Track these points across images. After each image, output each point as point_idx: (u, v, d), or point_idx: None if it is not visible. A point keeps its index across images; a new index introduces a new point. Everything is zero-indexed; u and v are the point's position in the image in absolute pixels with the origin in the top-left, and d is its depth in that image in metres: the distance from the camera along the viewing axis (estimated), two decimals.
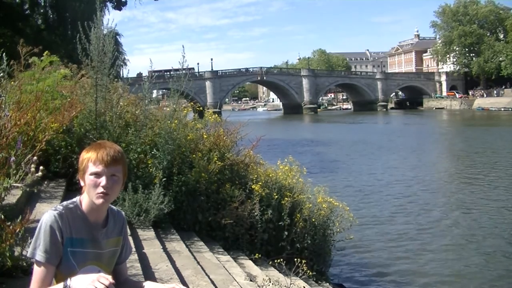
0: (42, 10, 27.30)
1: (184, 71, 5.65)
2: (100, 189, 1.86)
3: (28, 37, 18.63)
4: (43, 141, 3.60)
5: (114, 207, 2.09)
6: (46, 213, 1.86)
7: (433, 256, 9.28)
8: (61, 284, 1.75)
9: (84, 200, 1.93)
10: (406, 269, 8.67)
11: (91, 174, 1.87)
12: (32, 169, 2.86)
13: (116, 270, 2.07)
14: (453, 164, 22.76)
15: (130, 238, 4.10)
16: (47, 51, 7.08)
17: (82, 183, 1.92)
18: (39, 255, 1.79)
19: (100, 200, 1.88)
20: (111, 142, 2.02)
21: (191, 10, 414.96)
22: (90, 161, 1.87)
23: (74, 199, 1.95)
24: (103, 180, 1.86)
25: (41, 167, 2.89)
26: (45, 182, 5.03)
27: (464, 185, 16.69)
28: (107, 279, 1.70)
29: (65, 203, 1.95)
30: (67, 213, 1.88)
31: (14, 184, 2.92)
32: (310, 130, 51.77)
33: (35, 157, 2.92)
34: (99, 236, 1.95)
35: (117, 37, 32.05)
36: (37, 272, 1.80)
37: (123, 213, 2.14)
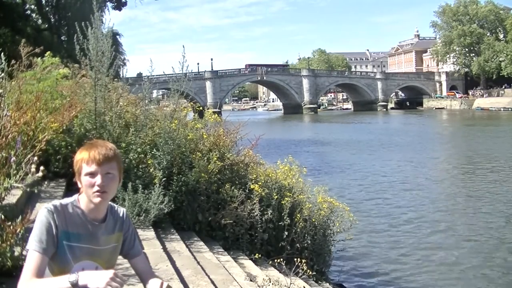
0: (43, 10, 27.33)
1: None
2: (96, 188, 1.87)
3: (28, 37, 18.62)
4: (43, 141, 3.60)
5: (115, 205, 2.10)
6: (43, 207, 1.89)
7: (433, 256, 9.28)
8: (65, 277, 1.74)
9: (83, 199, 1.94)
10: (406, 269, 8.66)
11: (85, 175, 1.88)
12: (33, 169, 2.86)
13: (131, 265, 2.11)
14: (453, 164, 22.74)
15: None
16: (49, 52, 7.09)
17: (79, 185, 1.93)
18: (33, 244, 1.81)
19: (98, 199, 1.89)
20: (103, 141, 2.03)
21: (193, 10, 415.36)
22: (83, 161, 1.89)
23: (73, 196, 1.97)
24: (98, 179, 1.87)
25: (41, 167, 2.89)
26: (45, 182, 5.03)
27: (465, 185, 16.71)
28: (121, 278, 1.72)
29: (63, 199, 1.97)
30: (64, 208, 1.90)
31: (15, 185, 2.92)
32: (310, 130, 51.75)
33: (35, 157, 2.93)
34: (97, 232, 1.95)
35: (117, 37, 32.10)
36: (30, 260, 1.80)
37: (124, 209, 2.14)
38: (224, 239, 5.64)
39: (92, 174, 1.87)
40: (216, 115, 6.72)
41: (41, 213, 1.86)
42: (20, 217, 2.72)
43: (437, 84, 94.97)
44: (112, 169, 1.90)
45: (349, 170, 20.45)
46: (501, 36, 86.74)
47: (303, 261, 4.40)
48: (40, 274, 1.79)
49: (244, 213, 5.55)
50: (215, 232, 5.66)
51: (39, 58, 6.69)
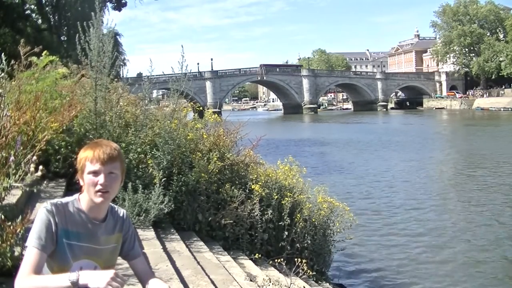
0: (43, 10, 27.34)
1: None
2: (99, 187, 1.87)
3: (28, 37, 18.63)
4: (43, 141, 3.59)
5: (115, 206, 2.10)
6: (42, 205, 1.90)
7: (434, 256, 9.27)
8: (65, 275, 1.74)
9: (84, 198, 1.94)
10: (406, 269, 8.66)
11: (89, 173, 1.88)
12: (32, 169, 2.87)
13: (131, 266, 2.11)
14: (454, 164, 22.75)
15: None
16: (45, 51, 7.07)
17: (81, 183, 1.93)
18: (31, 241, 1.81)
19: (100, 199, 1.89)
20: (107, 140, 2.04)
21: (193, 10, 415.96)
22: (87, 160, 1.89)
23: (74, 195, 1.98)
24: (101, 178, 1.87)
25: (40, 167, 2.89)
26: (45, 182, 5.03)
27: (466, 185, 16.70)
28: (121, 278, 1.72)
29: (63, 198, 1.98)
30: (64, 206, 1.90)
31: (14, 184, 2.92)
32: (310, 130, 51.76)
33: (34, 157, 2.93)
34: (97, 231, 1.95)
35: (117, 37, 32.14)
36: (28, 257, 1.81)
37: (124, 211, 2.14)
38: (224, 239, 5.64)
39: (95, 173, 1.88)
40: (216, 115, 6.71)
41: (41, 210, 1.86)
42: (20, 217, 2.71)
43: (437, 84, 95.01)
44: (115, 169, 1.91)
45: (349, 170, 20.44)
46: (501, 36, 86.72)
47: (303, 261, 4.40)
48: (38, 270, 1.79)
49: (244, 213, 5.54)
50: (215, 232, 5.66)
51: (36, 57, 6.67)
